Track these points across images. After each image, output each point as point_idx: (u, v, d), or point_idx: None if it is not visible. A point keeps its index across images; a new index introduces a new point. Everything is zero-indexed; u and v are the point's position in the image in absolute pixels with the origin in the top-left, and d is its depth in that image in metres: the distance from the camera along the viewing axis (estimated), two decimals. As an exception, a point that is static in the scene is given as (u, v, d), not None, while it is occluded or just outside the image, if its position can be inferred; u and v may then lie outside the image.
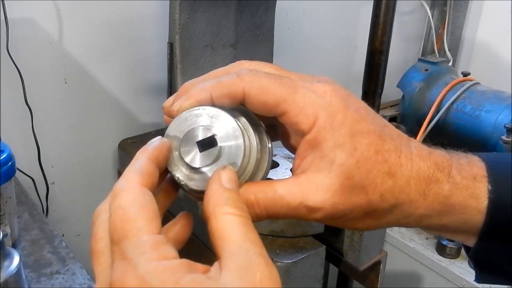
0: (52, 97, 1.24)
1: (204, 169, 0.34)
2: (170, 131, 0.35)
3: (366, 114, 0.36)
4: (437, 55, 1.97)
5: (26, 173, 1.20)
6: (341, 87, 0.36)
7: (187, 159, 0.35)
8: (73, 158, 1.32)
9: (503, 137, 1.39)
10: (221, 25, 1.22)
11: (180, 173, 0.35)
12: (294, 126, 0.35)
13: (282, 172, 1.08)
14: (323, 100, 0.34)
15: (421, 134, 1.56)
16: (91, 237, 0.32)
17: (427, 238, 1.58)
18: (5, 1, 1.06)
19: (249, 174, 0.35)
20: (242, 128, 0.35)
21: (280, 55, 1.49)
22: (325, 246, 0.99)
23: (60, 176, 1.31)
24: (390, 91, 1.71)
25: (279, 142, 0.41)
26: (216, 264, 0.30)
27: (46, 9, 1.16)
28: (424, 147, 0.37)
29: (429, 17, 1.96)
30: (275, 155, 1.13)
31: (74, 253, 0.84)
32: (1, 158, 0.77)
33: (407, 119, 1.68)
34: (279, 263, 0.93)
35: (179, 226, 0.35)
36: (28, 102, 1.15)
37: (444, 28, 1.99)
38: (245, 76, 0.35)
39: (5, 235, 0.72)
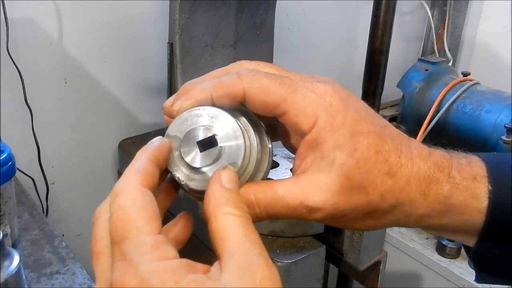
0: (52, 97, 1.24)
1: (204, 169, 0.34)
2: (170, 131, 0.35)
3: (366, 114, 0.36)
4: (437, 55, 1.97)
5: (26, 173, 1.20)
6: (341, 87, 0.36)
7: (188, 159, 0.35)
8: (73, 158, 1.32)
9: (503, 137, 1.39)
10: (221, 25, 1.22)
11: (181, 173, 0.35)
12: (294, 126, 0.35)
13: (282, 172, 1.08)
14: (323, 100, 0.34)
15: (421, 134, 1.56)
16: (91, 238, 0.32)
17: (427, 238, 1.58)
18: (5, 1, 1.06)
19: (249, 174, 0.35)
20: (242, 128, 0.35)
21: (280, 55, 1.49)
22: (325, 246, 0.99)
23: (60, 176, 1.31)
24: (390, 91, 1.71)
25: (279, 142, 0.41)
26: (216, 264, 0.30)
27: (46, 9, 1.16)
28: (424, 147, 0.37)
29: (429, 17, 1.96)
30: (275, 155, 1.13)
31: (74, 253, 0.84)
32: (1, 158, 0.77)
33: (407, 119, 1.68)
34: (279, 263, 0.93)
35: (179, 226, 0.35)
36: (28, 102, 1.15)
37: (444, 28, 1.99)
38: (245, 76, 0.35)
39: (5, 235, 0.72)
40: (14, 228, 0.84)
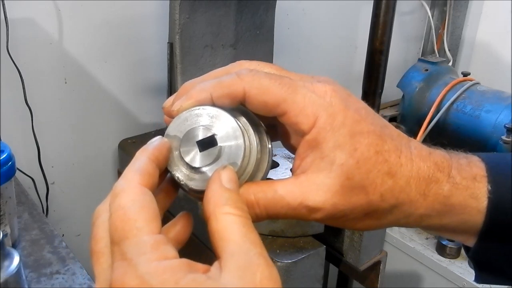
0: (52, 97, 1.24)
1: (204, 169, 0.34)
2: (170, 131, 0.35)
3: (366, 114, 0.36)
4: (437, 55, 1.97)
5: (26, 173, 1.20)
6: (341, 87, 0.36)
7: (187, 159, 0.35)
8: (73, 158, 1.32)
9: (503, 137, 1.39)
10: (221, 25, 1.22)
11: (180, 173, 0.35)
12: (294, 126, 0.35)
13: (282, 172, 1.08)
14: (323, 100, 0.34)
15: (421, 134, 1.56)
16: (91, 238, 0.32)
17: (427, 238, 1.58)
18: (5, 1, 1.06)
19: (249, 174, 0.35)
20: (242, 128, 0.35)
21: (280, 55, 1.49)
22: (325, 246, 0.99)
23: (60, 176, 1.31)
24: (390, 91, 1.71)
25: (279, 142, 0.41)
26: (216, 264, 0.30)
27: (46, 9, 1.16)
28: (424, 147, 0.37)
29: (429, 17, 1.96)
30: (275, 155, 1.13)
31: (74, 253, 0.84)
32: (1, 158, 0.77)
33: (407, 119, 1.68)
34: (279, 263, 0.93)
35: (179, 226, 0.35)
36: (28, 102, 1.15)
37: (444, 28, 1.99)
38: (245, 76, 0.35)
39: (5, 235, 0.72)
40: (14, 228, 0.84)
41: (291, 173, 0.37)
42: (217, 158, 0.34)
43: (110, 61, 1.30)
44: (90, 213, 0.33)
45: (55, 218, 1.32)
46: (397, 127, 0.39)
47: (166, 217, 0.35)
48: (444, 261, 1.48)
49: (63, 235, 1.35)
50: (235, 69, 0.37)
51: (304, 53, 1.69)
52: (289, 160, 1.12)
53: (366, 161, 0.34)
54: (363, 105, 0.37)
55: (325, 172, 0.34)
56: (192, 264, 0.30)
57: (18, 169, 1.00)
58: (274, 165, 1.10)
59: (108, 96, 1.33)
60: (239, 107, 0.36)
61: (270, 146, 0.37)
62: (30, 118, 1.17)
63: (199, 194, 0.34)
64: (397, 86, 1.70)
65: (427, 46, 2.05)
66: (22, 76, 1.13)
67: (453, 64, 2.01)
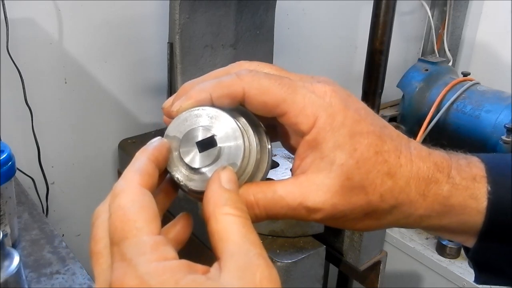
0: (52, 97, 1.24)
1: (203, 170, 0.34)
2: (169, 131, 0.35)
3: (366, 114, 0.36)
4: (437, 55, 1.97)
5: (26, 173, 1.20)
6: (341, 87, 0.36)
7: (187, 160, 0.35)
8: (73, 158, 1.32)
9: (503, 137, 1.39)
10: (221, 25, 1.22)
11: (180, 174, 0.35)
12: (294, 127, 0.35)
13: (282, 172, 1.08)
14: (323, 100, 0.35)
15: (421, 134, 1.56)
16: (90, 238, 0.32)
17: (427, 238, 1.58)
18: (5, 1, 1.06)
19: (249, 175, 0.35)
20: (241, 128, 0.35)
21: (280, 55, 1.49)
22: (325, 246, 0.99)
23: (60, 176, 1.31)
24: (390, 91, 1.71)
25: (279, 143, 0.41)
26: (215, 264, 0.30)
27: (46, 9, 1.16)
28: (423, 147, 0.37)
29: (429, 17, 1.96)
30: (275, 155, 1.13)
31: (74, 253, 0.84)
32: (1, 158, 0.77)
33: (407, 119, 1.68)
34: (279, 263, 0.93)
35: (179, 227, 0.35)
36: (28, 102, 1.15)
37: (444, 28, 1.99)
38: (245, 77, 0.35)
39: (5, 235, 0.72)
40: (14, 228, 0.84)
41: (291, 173, 0.37)
42: (216, 159, 0.34)
43: (110, 61, 1.30)
44: (90, 213, 0.33)
45: (55, 218, 1.33)
46: (397, 127, 0.39)
47: (166, 218, 0.35)
48: (444, 261, 1.48)
49: (63, 235, 1.35)
50: (234, 69, 0.37)
51: (304, 53, 1.69)
52: (289, 160, 1.12)
53: (365, 161, 0.34)
54: (363, 105, 0.37)
55: (324, 173, 0.34)
56: (191, 265, 0.29)
57: (18, 169, 1.00)
58: (274, 165, 1.10)
59: (108, 96, 1.33)
60: (238, 108, 0.36)
61: (269, 146, 0.37)
62: (30, 118, 1.17)
63: (199, 195, 0.34)
64: (397, 86, 1.70)
65: (427, 46, 2.05)
66: (22, 76, 1.13)
67: (453, 64, 2.01)
